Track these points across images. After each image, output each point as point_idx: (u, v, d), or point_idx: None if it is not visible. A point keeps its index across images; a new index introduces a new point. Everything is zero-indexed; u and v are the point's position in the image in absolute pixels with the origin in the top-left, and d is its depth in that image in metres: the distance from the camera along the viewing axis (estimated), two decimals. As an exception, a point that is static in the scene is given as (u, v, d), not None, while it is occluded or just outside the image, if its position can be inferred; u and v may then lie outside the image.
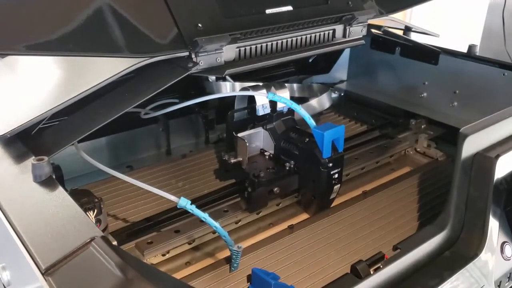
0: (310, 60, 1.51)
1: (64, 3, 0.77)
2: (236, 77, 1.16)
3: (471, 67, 1.27)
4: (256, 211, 1.00)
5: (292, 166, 1.01)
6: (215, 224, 0.78)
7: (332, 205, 1.02)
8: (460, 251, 0.77)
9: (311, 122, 1.00)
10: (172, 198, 0.78)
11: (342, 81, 1.59)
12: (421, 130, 1.32)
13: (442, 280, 0.70)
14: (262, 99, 1.03)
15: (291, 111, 1.06)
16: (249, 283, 0.79)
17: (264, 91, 1.03)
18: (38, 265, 0.56)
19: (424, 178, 1.12)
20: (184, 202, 0.77)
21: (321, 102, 1.33)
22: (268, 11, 0.98)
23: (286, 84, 1.13)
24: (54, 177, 0.72)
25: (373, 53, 1.48)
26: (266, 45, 0.98)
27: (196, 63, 0.87)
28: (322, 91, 1.36)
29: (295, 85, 1.38)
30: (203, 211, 0.78)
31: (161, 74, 0.87)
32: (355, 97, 1.55)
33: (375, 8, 1.18)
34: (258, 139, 1.07)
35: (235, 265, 0.81)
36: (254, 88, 1.05)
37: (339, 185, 0.99)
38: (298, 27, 1.02)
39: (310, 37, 1.06)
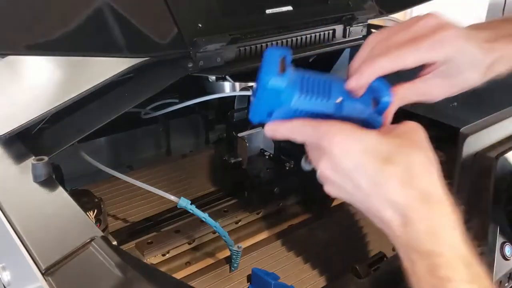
0: (310, 60, 1.51)
1: (64, 3, 0.77)
2: (236, 77, 1.16)
3: (471, 67, 1.27)
4: (256, 211, 1.00)
5: (292, 166, 1.01)
6: (215, 224, 0.78)
7: (332, 205, 1.02)
8: (460, 251, 0.77)
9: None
10: (172, 198, 0.78)
11: (342, 81, 1.59)
12: (421, 130, 1.32)
13: (442, 280, 0.70)
14: None
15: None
16: (249, 283, 0.79)
17: None
18: (38, 265, 0.56)
19: (424, 178, 1.12)
20: (184, 202, 0.77)
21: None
22: (268, 11, 0.98)
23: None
24: (54, 177, 0.72)
25: (373, 53, 1.48)
26: (266, 45, 0.98)
27: (196, 63, 0.87)
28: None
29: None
30: (203, 211, 0.78)
31: (161, 74, 0.87)
32: (355, 97, 1.54)
33: (375, 8, 1.18)
34: (258, 139, 1.07)
35: (235, 265, 0.81)
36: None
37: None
38: (298, 27, 1.02)
39: (310, 37, 1.06)
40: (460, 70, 0.59)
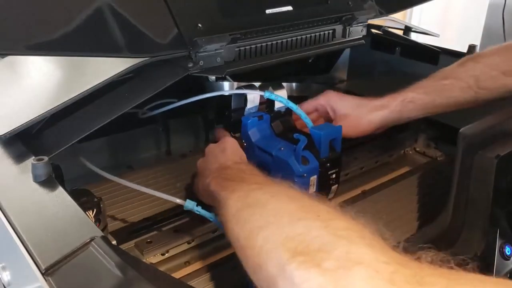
0: (310, 60, 1.51)
1: (64, 3, 0.77)
2: (236, 77, 1.16)
3: (471, 67, 1.27)
4: (256, 211, 1.00)
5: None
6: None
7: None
8: (460, 251, 0.77)
9: (308, 121, 0.99)
10: (178, 201, 0.79)
11: (342, 81, 1.59)
12: (421, 130, 1.32)
13: (442, 280, 0.70)
14: (254, 99, 1.03)
15: (289, 111, 1.06)
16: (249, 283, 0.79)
17: (258, 90, 1.03)
18: (38, 265, 0.56)
19: (424, 178, 1.13)
20: (191, 204, 0.78)
21: (321, 102, 1.32)
22: (268, 11, 0.98)
23: (284, 84, 1.13)
24: (54, 177, 0.72)
25: (373, 53, 1.48)
26: (266, 45, 0.98)
27: (196, 63, 0.87)
28: (322, 91, 1.35)
29: (294, 85, 1.38)
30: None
31: (161, 74, 0.87)
32: (355, 97, 1.54)
33: (375, 8, 1.18)
34: (257, 139, 1.06)
35: None
36: (248, 87, 1.04)
37: (336, 185, 0.99)
38: (298, 27, 1.02)
39: (310, 37, 1.06)
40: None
